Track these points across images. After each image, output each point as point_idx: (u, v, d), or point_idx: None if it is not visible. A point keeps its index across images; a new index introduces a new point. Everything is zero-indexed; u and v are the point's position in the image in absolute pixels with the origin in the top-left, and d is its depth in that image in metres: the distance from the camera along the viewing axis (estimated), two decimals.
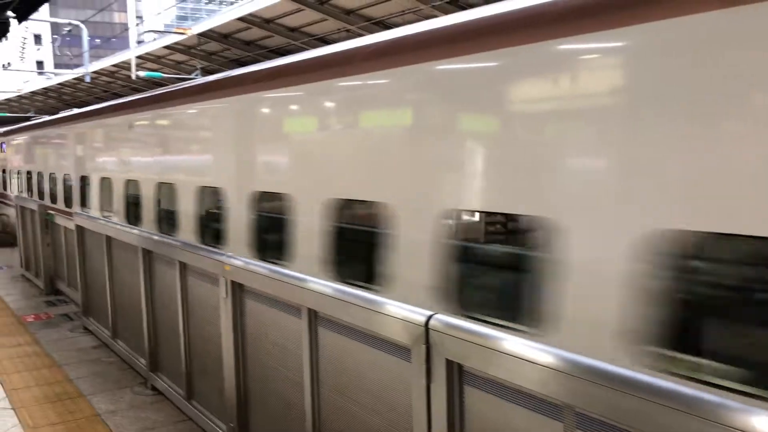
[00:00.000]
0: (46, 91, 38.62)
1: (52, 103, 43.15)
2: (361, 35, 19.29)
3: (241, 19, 20.06)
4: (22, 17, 18.95)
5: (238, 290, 3.54)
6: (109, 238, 5.54)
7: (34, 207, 8.21)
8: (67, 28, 28.99)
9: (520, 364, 1.92)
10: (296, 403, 3.09)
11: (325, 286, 2.83)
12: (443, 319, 2.20)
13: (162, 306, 4.69)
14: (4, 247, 10.95)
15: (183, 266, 4.21)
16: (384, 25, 18.87)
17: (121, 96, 36.87)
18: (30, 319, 6.90)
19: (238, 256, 3.61)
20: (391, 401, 2.47)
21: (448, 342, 2.12)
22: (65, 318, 6.96)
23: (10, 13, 18.67)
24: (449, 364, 2.13)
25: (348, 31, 19.11)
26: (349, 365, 2.74)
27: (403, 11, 17.53)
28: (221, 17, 20.55)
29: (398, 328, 2.37)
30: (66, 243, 7.22)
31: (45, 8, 77.74)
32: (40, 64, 70.71)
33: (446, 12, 16.52)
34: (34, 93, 39.55)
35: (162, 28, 33.31)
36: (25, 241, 8.94)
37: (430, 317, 2.21)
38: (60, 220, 7.35)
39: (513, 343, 1.98)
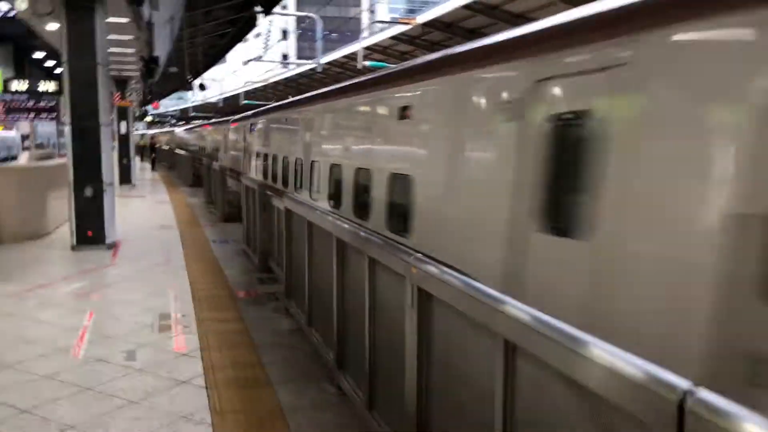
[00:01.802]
0: (286, 81, 42.20)
1: (290, 93, 47.23)
2: None
3: (466, 6, 19.65)
4: (267, 11, 20.53)
5: (425, 298, 3.03)
6: (310, 223, 5.42)
7: (255, 187, 8.62)
8: (303, 23, 31.12)
9: None
10: None
11: (525, 313, 2.17)
12: (709, 399, 1.40)
13: (352, 299, 4.38)
14: (235, 222, 11.79)
15: (372, 260, 3.83)
16: None
17: None
18: (241, 295, 7.19)
19: (428, 259, 3.09)
20: None
21: None
22: (271, 298, 7.12)
23: (257, 8, 20.40)
24: None
25: None
26: (555, 417, 2.06)
27: None
28: (446, 5, 20.32)
29: (628, 392, 1.64)
30: (278, 224, 7.37)
31: (291, 4, 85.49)
32: (285, 57, 78.08)
33: None
34: (276, 83, 43.46)
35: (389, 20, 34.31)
36: (247, 218, 9.49)
37: (685, 394, 1.42)
38: (275, 201, 7.54)
39: None
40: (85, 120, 9.12)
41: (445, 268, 2.90)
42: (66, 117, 9.12)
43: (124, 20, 11.03)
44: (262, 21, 21.45)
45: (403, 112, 5.93)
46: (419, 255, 3.16)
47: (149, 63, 12.22)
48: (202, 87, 20.20)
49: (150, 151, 36.05)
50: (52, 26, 10.32)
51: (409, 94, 6.01)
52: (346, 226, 4.40)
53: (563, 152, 3.67)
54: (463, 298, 2.61)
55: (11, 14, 20.82)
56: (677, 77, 3.03)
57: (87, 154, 9.20)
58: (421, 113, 5.72)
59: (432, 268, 2.94)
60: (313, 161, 9.18)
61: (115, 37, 13.16)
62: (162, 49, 17.60)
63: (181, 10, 15.26)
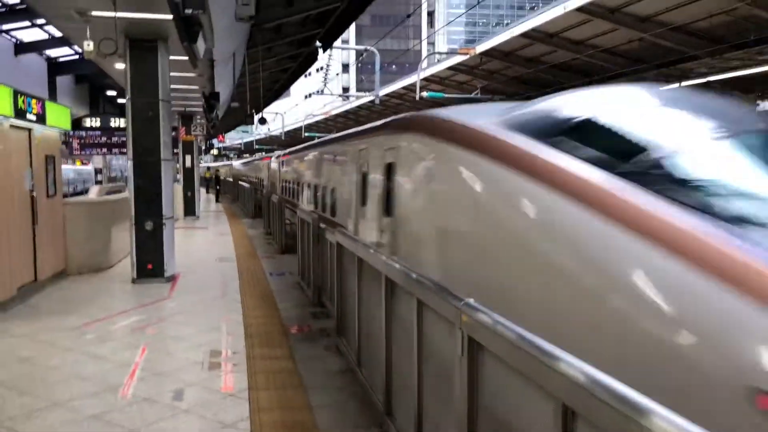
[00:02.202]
0: (346, 113, 42.79)
1: (351, 124, 47.88)
2: (656, 44, 17.15)
3: (524, 35, 19.41)
4: (326, 46, 20.86)
5: (477, 349, 2.79)
6: (360, 260, 5.26)
7: (309, 219, 8.57)
8: (363, 56, 31.73)
9: None
10: None
11: (585, 375, 1.90)
12: None
13: (400, 342, 4.16)
14: (293, 253, 11.78)
15: (420, 303, 3.62)
16: (685, 31, 16.51)
17: None
18: (293, 330, 7.07)
19: (480, 305, 2.85)
20: None
21: None
22: (323, 333, 6.97)
23: (317, 44, 20.77)
24: None
25: (641, 40, 17.14)
26: None
27: (711, 14, 15.05)
28: (504, 35, 20.14)
29: None
30: (330, 258, 7.25)
31: (352, 39, 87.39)
32: (345, 89, 79.53)
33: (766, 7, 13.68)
34: (337, 116, 44.13)
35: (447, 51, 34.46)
36: (302, 251, 9.44)
37: None
38: (328, 235, 7.44)
39: None
40: (146, 155, 9.35)
41: (498, 317, 2.66)
42: (129, 152, 9.37)
43: (186, 58, 11.40)
44: (323, 55, 21.83)
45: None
46: (470, 301, 2.93)
47: (209, 99, 12.53)
48: (262, 121, 20.61)
49: (215, 183, 37.07)
50: (120, 65, 10.71)
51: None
52: (396, 266, 4.21)
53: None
54: (516, 353, 2.36)
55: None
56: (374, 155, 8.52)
57: (148, 189, 9.41)
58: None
59: (483, 317, 2.71)
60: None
61: (180, 74, 13.60)
62: (225, 85, 18.12)
63: (242, 46, 15.66)
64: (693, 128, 4.03)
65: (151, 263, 9.49)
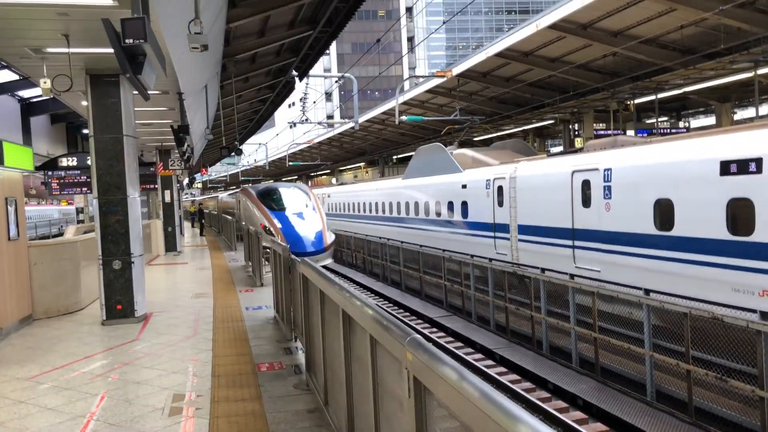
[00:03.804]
0: (329, 140, 42.70)
1: (335, 151, 47.74)
2: (630, 58, 17.16)
3: (499, 55, 19.41)
4: (302, 75, 20.78)
5: (422, 392, 2.52)
6: (322, 292, 5.00)
7: (280, 250, 8.30)
8: (339, 82, 32.00)
9: None
10: None
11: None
12: None
13: (360, 380, 3.88)
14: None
15: (372, 340, 3.35)
16: (657, 43, 16.55)
17: (389, 141, 39.11)
18: (264, 368, 6.76)
19: (422, 340, 2.59)
20: None
21: None
22: (295, 370, 6.66)
23: (294, 72, 20.69)
24: None
25: (615, 54, 17.16)
26: None
27: (681, 25, 15.09)
28: (480, 55, 20.15)
29: None
30: (300, 289, 6.98)
31: (334, 67, 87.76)
32: (330, 117, 79.77)
33: (736, 18, 13.71)
34: (320, 143, 44.00)
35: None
36: (275, 284, 9.15)
37: None
38: (298, 266, 7.16)
39: None
40: (111, 193, 9.08)
41: (443, 355, 2.39)
42: (93, 190, 9.10)
43: (156, 92, 11.19)
44: (301, 84, 21.72)
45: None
46: (416, 337, 2.67)
47: (178, 132, 12.30)
48: (238, 152, 20.36)
49: (198, 216, 36.73)
50: (85, 102, 10.48)
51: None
52: (355, 301, 3.93)
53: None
54: (457, 399, 2.10)
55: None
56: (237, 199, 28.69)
57: (114, 227, 9.11)
58: None
59: (426, 356, 2.44)
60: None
61: (151, 109, 13.39)
62: (200, 117, 17.92)
63: (215, 78, 15.50)
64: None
65: (120, 303, 9.16)
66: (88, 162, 17.72)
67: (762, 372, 6.93)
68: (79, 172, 20.93)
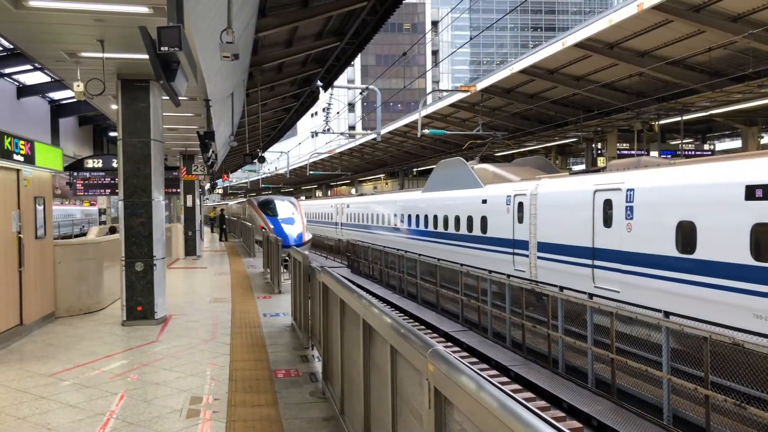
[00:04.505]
0: (351, 151, 42.90)
1: (356, 161, 47.94)
2: (656, 79, 17.08)
3: (523, 71, 19.45)
4: (326, 85, 20.98)
5: (443, 403, 2.55)
6: (342, 302, 5.04)
7: (300, 258, 8.37)
8: (364, 94, 32.46)
9: None
10: None
11: None
12: None
13: (379, 390, 3.92)
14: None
15: (393, 350, 3.39)
16: (684, 65, 16.47)
17: (410, 153, 39.16)
18: (280, 375, 6.81)
19: (449, 352, 2.62)
20: None
21: None
22: (311, 378, 6.70)
23: (318, 83, 20.91)
24: None
25: (641, 74, 17.10)
26: None
27: (709, 48, 15.01)
28: (504, 72, 20.19)
29: None
30: (319, 298, 7.03)
31: (358, 78, 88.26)
32: (352, 128, 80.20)
33: (766, 42, 13.60)
34: (342, 153, 44.24)
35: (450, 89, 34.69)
36: (294, 291, 9.21)
37: None
38: (317, 275, 7.21)
39: None
40: (137, 195, 9.24)
41: (464, 367, 2.42)
42: (120, 192, 9.26)
43: (184, 98, 11.38)
44: (325, 95, 21.95)
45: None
46: (438, 349, 2.70)
47: (204, 138, 12.49)
48: (261, 159, 20.58)
49: (219, 222, 37.06)
50: (114, 106, 10.69)
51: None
52: (375, 310, 3.98)
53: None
54: (478, 410, 2.13)
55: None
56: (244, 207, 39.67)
57: (138, 230, 9.26)
58: None
59: (447, 367, 2.47)
60: None
61: (178, 114, 13.62)
62: (225, 124, 18.16)
63: (242, 86, 15.72)
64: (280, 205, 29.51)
65: (141, 305, 9.29)
66: (114, 164, 18.04)
67: None
68: (103, 173, 21.29)
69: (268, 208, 29.45)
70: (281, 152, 48.89)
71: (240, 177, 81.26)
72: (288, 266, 12.45)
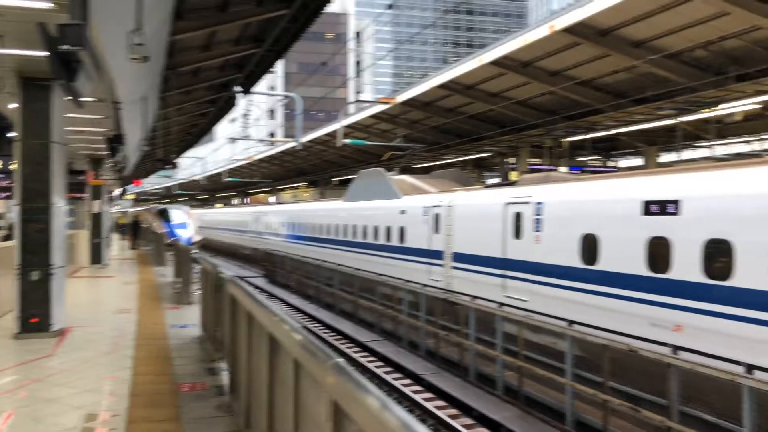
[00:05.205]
0: (270, 158, 42.34)
1: (275, 169, 47.34)
2: (566, 98, 17.91)
3: (442, 86, 19.85)
4: (246, 92, 20.63)
5: (342, 418, 2.54)
6: (249, 314, 4.94)
7: (209, 267, 8.15)
8: (285, 101, 32.36)
9: None
10: None
11: None
12: None
13: (282, 403, 3.85)
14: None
15: (296, 363, 3.34)
16: (592, 86, 17.35)
17: (331, 162, 39.15)
18: (185, 388, 6.57)
19: (345, 364, 2.61)
20: None
21: None
22: (218, 391, 6.51)
23: (237, 88, 20.52)
24: None
25: (552, 93, 17.86)
26: None
27: (614, 70, 15.89)
28: (423, 85, 20.56)
29: None
30: (228, 309, 6.85)
31: (280, 86, 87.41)
32: (272, 135, 79.23)
33: (664, 67, 14.56)
34: (261, 160, 43.57)
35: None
36: (204, 302, 8.95)
37: None
38: (227, 285, 7.03)
39: None
40: (35, 200, 8.72)
41: (364, 380, 2.42)
42: (16, 196, 8.71)
43: (91, 100, 10.85)
44: (244, 101, 21.56)
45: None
46: (338, 362, 2.68)
47: (112, 142, 11.97)
48: (173, 165, 19.96)
49: (131, 228, 35.54)
50: (13, 105, 10.08)
51: None
52: (280, 321, 3.91)
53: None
54: (376, 427, 2.12)
55: None
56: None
57: (35, 237, 8.73)
58: None
59: (347, 381, 2.45)
60: None
61: (85, 116, 12.97)
62: (137, 128, 17.48)
63: (155, 89, 15.19)
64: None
65: (36, 317, 8.73)
66: (10, 167, 16.95)
67: (672, 403, 7.26)
68: (3, 176, 19.99)
69: (163, 215, 37.49)
70: (197, 158, 47.63)
71: (154, 183, 78.45)
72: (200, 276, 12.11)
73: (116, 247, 32.41)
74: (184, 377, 7.00)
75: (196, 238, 36.50)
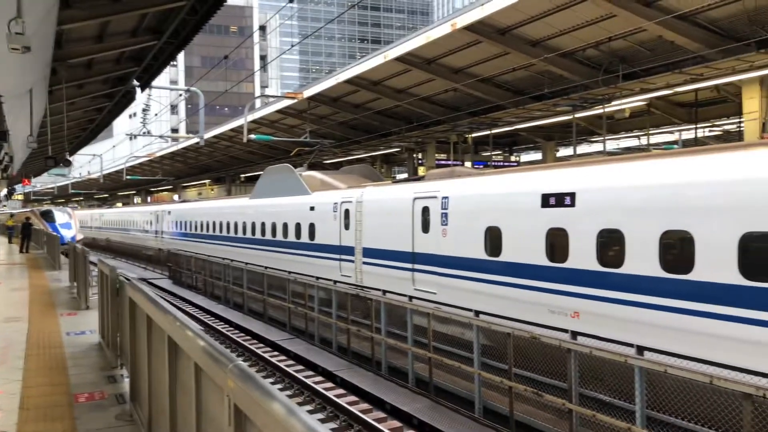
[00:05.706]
0: (173, 155, 40.86)
1: (179, 166, 45.69)
2: (468, 94, 18.39)
3: (349, 81, 19.85)
4: (144, 86, 19.78)
5: (243, 421, 2.47)
6: (149, 318, 4.72)
7: (107, 271, 7.74)
8: (186, 95, 31.01)
9: None
10: None
11: None
12: None
13: (185, 409, 3.71)
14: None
15: (197, 367, 3.23)
16: (493, 83, 17.90)
17: (237, 158, 38.27)
18: (82, 399, 6.21)
19: (245, 367, 2.54)
20: None
21: None
22: (118, 399, 6.20)
23: (135, 82, 19.60)
24: None
25: (455, 90, 18.28)
26: None
27: (513, 68, 16.48)
28: (330, 81, 20.48)
29: None
30: (128, 313, 6.54)
31: (182, 80, 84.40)
32: (175, 130, 76.41)
33: (559, 66, 15.27)
34: (163, 157, 41.96)
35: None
36: (102, 307, 8.50)
37: None
38: (126, 289, 6.70)
39: None
40: None
41: (264, 382, 2.36)
42: None
43: None
44: (143, 95, 20.63)
45: None
46: (239, 364, 2.61)
47: None
48: (66, 163, 18.82)
49: (21, 231, 33.18)
50: None
51: None
52: (179, 324, 3.76)
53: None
54: (274, 426, 2.07)
55: None
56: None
57: None
58: None
59: (247, 383, 2.39)
60: None
61: None
62: (24, 123, 16.35)
63: (43, 82, 14.24)
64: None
65: None
66: None
67: (571, 386, 7.63)
68: None
69: (47, 217, 39.19)
70: (94, 155, 45.19)
71: (46, 182, 73.67)
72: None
73: (3, 251, 30.22)
74: (82, 387, 6.62)
75: (79, 237, 38.85)
